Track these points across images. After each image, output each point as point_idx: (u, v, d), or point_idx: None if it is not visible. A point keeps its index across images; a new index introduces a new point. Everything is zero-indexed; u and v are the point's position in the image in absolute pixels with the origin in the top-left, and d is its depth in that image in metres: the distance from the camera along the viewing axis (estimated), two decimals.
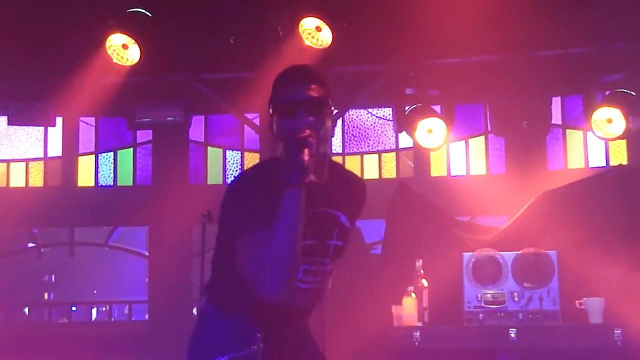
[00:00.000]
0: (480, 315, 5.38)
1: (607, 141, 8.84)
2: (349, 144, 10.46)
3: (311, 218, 2.50)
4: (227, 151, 10.52)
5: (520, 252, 5.53)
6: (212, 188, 10.28)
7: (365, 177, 10.13)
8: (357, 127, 10.43)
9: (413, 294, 5.34)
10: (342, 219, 2.65)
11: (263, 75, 7.25)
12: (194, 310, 9.76)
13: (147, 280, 10.83)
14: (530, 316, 5.33)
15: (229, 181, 10.53)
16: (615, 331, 4.99)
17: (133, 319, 12.36)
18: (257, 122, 9.42)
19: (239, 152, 10.47)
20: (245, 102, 7.83)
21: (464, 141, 10.15)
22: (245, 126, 9.94)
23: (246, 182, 2.53)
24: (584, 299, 5.24)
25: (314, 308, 2.73)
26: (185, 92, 7.94)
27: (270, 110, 2.54)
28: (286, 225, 2.33)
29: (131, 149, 10.59)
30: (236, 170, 10.55)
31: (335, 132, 10.30)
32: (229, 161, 10.53)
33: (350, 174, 2.82)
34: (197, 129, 10.19)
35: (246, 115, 9.01)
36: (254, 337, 2.54)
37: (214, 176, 10.47)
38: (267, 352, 2.56)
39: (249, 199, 2.43)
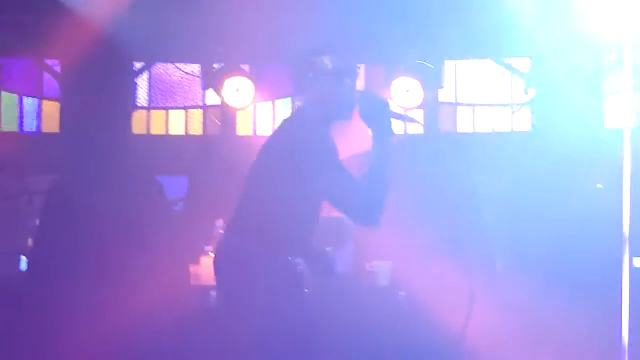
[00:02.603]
0: None
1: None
2: (155, 99, 10.24)
3: None
4: (23, 97, 9.97)
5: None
6: (6, 135, 9.73)
7: (171, 132, 9.99)
8: (163, 82, 10.23)
9: (211, 254, 5.36)
10: None
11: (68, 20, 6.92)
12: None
13: None
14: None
15: (25, 128, 9.99)
16: (400, 293, 5.31)
17: None
18: (57, 69, 8.97)
19: (37, 98, 9.95)
20: (44, 48, 7.42)
21: (270, 102, 10.23)
22: (45, 73, 9.44)
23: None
24: (374, 262, 5.51)
25: None
26: None
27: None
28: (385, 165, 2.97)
29: None
30: (34, 118, 10.02)
31: (141, 86, 10.02)
32: (25, 108, 9.99)
33: None
34: None
35: (46, 61, 8.56)
36: None
37: (8, 122, 9.92)
38: None
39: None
